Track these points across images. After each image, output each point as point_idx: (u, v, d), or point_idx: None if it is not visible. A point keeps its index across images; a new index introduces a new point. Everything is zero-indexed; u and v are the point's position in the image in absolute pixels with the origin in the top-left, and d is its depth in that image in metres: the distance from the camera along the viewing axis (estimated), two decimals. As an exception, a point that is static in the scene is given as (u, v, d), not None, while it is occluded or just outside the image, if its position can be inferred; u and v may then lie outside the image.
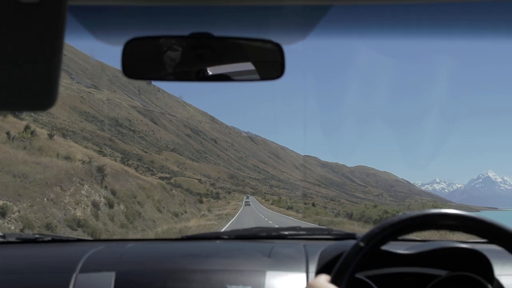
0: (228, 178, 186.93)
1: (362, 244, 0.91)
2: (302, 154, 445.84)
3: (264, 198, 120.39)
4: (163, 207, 32.66)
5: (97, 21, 1.10)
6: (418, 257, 1.36)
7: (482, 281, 1.31)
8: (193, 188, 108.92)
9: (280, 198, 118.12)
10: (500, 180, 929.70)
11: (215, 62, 1.15)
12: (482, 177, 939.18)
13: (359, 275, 1.34)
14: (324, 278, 0.88)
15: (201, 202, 70.67)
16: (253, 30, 1.17)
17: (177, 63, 1.14)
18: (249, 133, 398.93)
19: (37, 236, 1.86)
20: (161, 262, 1.47)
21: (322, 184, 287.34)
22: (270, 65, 1.18)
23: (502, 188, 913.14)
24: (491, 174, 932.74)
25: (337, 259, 1.23)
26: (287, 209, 73.47)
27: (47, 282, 1.46)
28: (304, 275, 1.37)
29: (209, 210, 49.07)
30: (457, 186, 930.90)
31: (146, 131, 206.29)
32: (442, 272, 1.36)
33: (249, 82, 1.16)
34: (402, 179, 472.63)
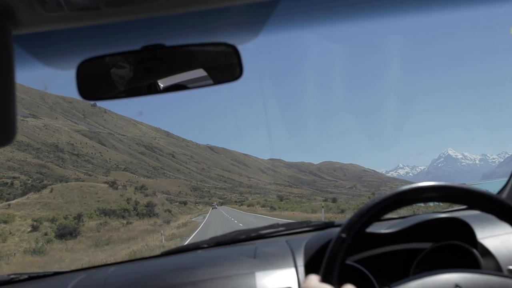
0: (191, 191, 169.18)
1: (343, 235, 0.90)
2: (266, 158, 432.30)
3: (244, 204, 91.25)
4: None
5: (46, 48, 1.06)
6: (402, 233, 1.38)
7: (466, 246, 1.35)
8: (88, 201, 59.37)
9: (266, 200, 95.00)
10: (461, 156, 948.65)
11: (170, 73, 1.12)
12: (443, 156, 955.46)
13: (348, 261, 1.34)
14: (315, 279, 0.88)
15: (62, 236, 31.85)
16: (206, 35, 1.15)
17: (132, 79, 1.11)
18: (208, 144, 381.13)
19: (12, 276, 1.77)
20: (147, 282, 1.44)
21: (293, 184, 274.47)
22: (228, 67, 1.15)
23: (463, 163, 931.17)
24: (451, 152, 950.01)
25: (322, 249, 1.21)
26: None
27: None
28: (293, 270, 1.36)
29: None
30: (420, 169, 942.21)
31: (92, 153, 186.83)
32: (427, 245, 1.39)
33: (208, 89, 1.03)
34: (369, 168, 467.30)
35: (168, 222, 45.45)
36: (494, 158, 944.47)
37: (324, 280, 0.87)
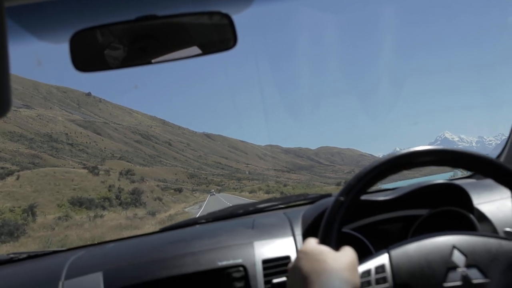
0: (188, 178, 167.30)
1: (342, 198, 0.90)
2: (263, 144, 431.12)
3: (245, 191, 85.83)
4: None
5: (38, 20, 1.05)
6: (399, 201, 1.40)
7: (463, 212, 1.37)
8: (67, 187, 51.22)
9: (268, 185, 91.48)
10: (458, 139, 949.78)
11: (164, 43, 1.13)
12: (440, 139, 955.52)
13: (345, 229, 1.37)
14: (313, 241, 0.88)
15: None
16: (198, 5, 1.16)
17: (126, 49, 1.12)
18: (204, 132, 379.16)
19: (11, 255, 1.79)
20: (147, 255, 1.45)
21: (291, 170, 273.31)
22: (223, 36, 1.16)
23: (460, 146, 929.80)
24: (447, 135, 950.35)
25: (320, 218, 1.23)
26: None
27: None
28: (291, 238, 1.38)
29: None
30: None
31: (87, 143, 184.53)
32: (424, 211, 1.41)
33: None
34: (366, 153, 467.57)
35: (153, 214, 35.17)
36: (490, 140, 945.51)
37: (323, 242, 0.87)
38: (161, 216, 33.64)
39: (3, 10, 0.66)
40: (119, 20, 1.05)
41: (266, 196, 51.11)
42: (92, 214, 33.24)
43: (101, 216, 32.35)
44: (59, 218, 30.75)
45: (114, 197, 46.52)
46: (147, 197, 52.65)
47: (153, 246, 1.56)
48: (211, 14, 1.11)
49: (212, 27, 1.15)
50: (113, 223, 28.38)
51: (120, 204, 44.17)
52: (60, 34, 1.15)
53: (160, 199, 57.05)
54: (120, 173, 63.77)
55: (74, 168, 76.03)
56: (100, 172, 61.99)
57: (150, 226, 25.78)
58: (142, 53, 1.12)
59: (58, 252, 1.82)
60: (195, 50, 1.14)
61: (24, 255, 1.79)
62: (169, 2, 1.15)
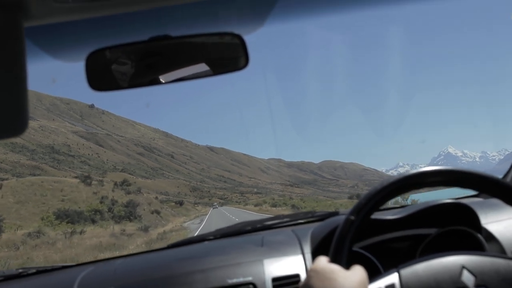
0: (190, 191, 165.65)
1: (352, 217, 0.91)
2: (266, 158, 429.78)
3: (249, 204, 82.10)
4: None
5: (55, 40, 1.07)
6: (407, 220, 1.41)
7: (471, 231, 1.38)
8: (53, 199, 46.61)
9: (273, 198, 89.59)
10: (461, 154, 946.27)
11: (177, 63, 1.14)
12: (443, 153, 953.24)
13: (354, 248, 1.36)
14: (324, 259, 0.89)
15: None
16: (210, 26, 1.18)
17: (140, 69, 1.14)
18: (207, 144, 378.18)
19: (20, 270, 1.80)
20: (157, 271, 1.46)
21: (295, 184, 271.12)
22: (234, 56, 1.17)
23: (464, 161, 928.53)
24: (451, 150, 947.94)
25: (329, 236, 1.24)
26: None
27: None
28: (300, 257, 1.39)
29: None
30: (420, 167, 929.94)
31: (89, 154, 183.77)
32: (432, 231, 1.41)
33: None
34: (369, 167, 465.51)
35: (145, 230, 29.94)
36: (494, 156, 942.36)
37: (333, 261, 0.88)
38: (154, 233, 28.22)
39: (22, 31, 0.68)
40: (133, 40, 1.06)
41: (272, 209, 50.01)
42: (70, 229, 27.68)
43: (81, 233, 27.03)
44: (29, 234, 25.39)
45: (106, 210, 41.62)
46: (144, 210, 48.23)
47: (161, 262, 1.57)
48: (223, 34, 1.12)
49: (224, 48, 1.16)
50: (93, 242, 23.32)
51: (112, 218, 39.13)
52: (75, 54, 1.16)
53: (158, 213, 52.22)
54: (115, 184, 59.16)
55: (64, 177, 69.07)
56: (93, 182, 57.82)
57: (135, 247, 21.14)
58: (155, 73, 1.13)
59: (67, 268, 1.83)
60: (207, 71, 1.15)
61: (33, 270, 1.79)
62: (183, 22, 1.16)
